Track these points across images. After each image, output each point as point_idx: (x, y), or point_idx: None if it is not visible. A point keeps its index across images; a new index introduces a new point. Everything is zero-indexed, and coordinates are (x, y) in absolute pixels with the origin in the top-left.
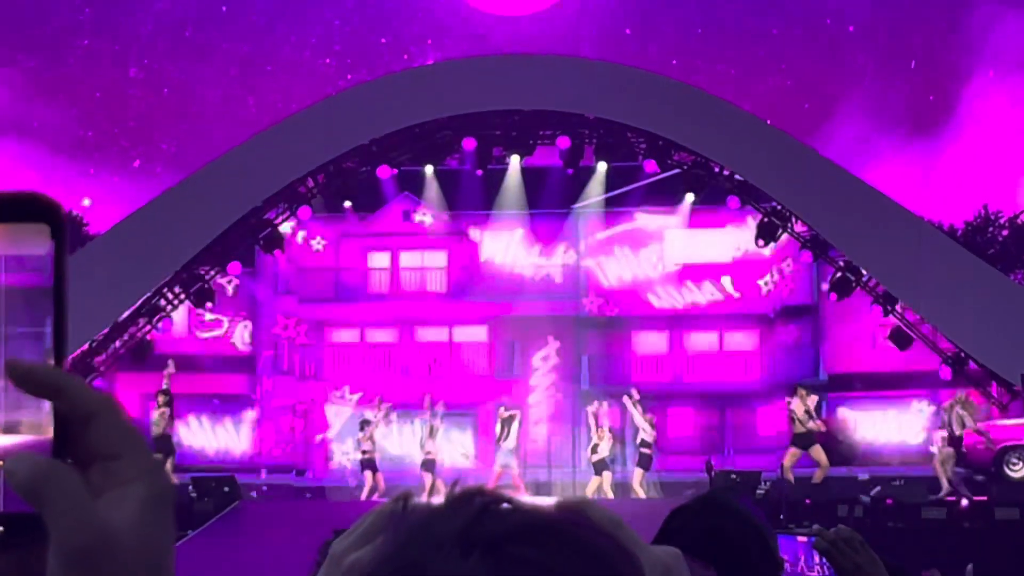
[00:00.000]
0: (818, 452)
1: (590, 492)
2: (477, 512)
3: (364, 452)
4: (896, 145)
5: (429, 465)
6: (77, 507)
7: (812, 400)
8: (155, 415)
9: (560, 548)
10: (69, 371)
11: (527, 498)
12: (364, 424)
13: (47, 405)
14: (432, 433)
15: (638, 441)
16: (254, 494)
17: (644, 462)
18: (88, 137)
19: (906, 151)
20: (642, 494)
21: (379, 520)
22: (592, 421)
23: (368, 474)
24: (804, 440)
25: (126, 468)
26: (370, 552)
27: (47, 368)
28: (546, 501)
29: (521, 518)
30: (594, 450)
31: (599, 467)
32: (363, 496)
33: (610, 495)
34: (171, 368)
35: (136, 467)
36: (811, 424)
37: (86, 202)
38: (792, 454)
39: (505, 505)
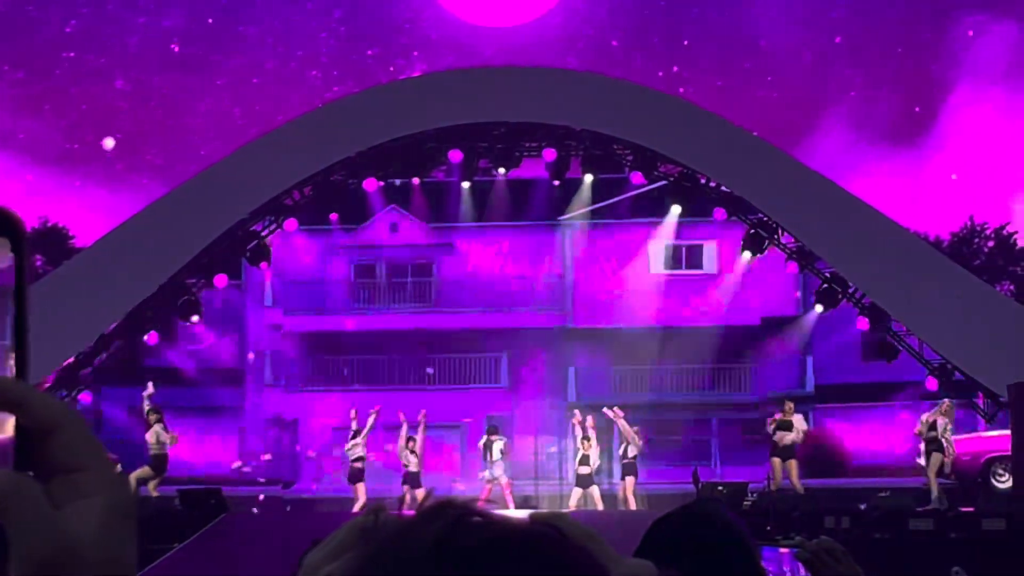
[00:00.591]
0: (792, 467)
1: (572, 505)
2: (449, 525)
3: (355, 463)
4: (882, 156)
5: (412, 479)
6: (39, 519)
7: (796, 417)
8: (150, 435)
9: (532, 561)
10: (31, 384)
11: (502, 511)
12: (356, 434)
13: (9, 418)
14: (410, 445)
15: (621, 452)
16: (255, 510)
17: (631, 470)
18: (75, 149)
19: (892, 162)
20: (634, 504)
21: (352, 533)
22: (579, 432)
23: (360, 487)
24: (783, 452)
25: (88, 480)
26: (343, 565)
27: (9, 381)
28: (521, 514)
29: (493, 531)
30: (583, 462)
31: (584, 481)
32: (355, 509)
33: (600, 506)
34: (150, 389)
35: (98, 479)
36: (787, 438)
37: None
38: (776, 465)
39: (477, 518)
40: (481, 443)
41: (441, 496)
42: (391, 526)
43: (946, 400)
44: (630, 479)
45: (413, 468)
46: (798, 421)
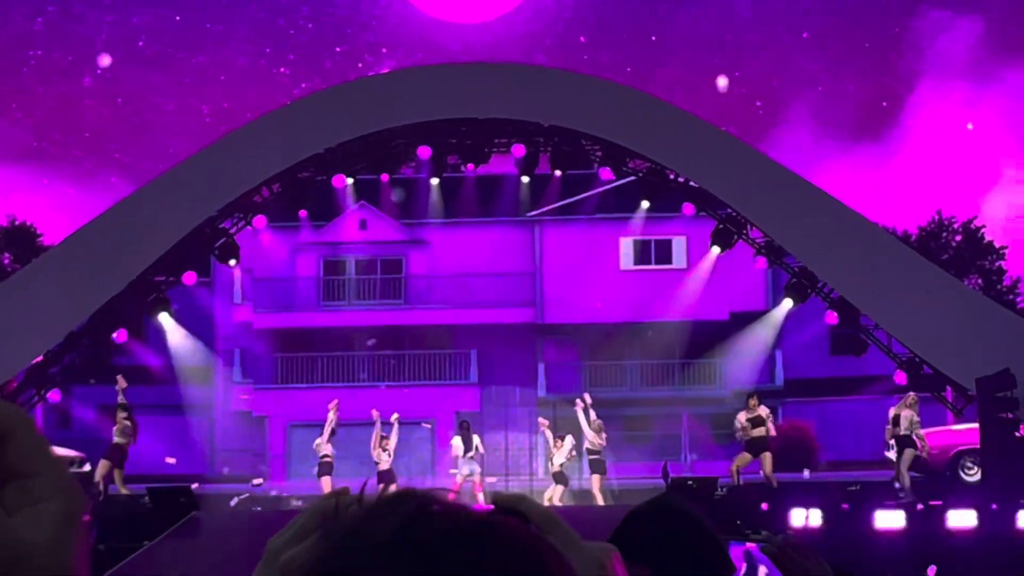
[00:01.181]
0: (766, 460)
1: (545, 501)
2: (409, 515)
3: (323, 458)
4: (849, 150)
5: (386, 476)
6: None
7: (763, 410)
8: (116, 429)
9: (491, 550)
10: None
11: (464, 500)
12: (332, 432)
13: None
14: (383, 443)
15: (585, 447)
16: (233, 502)
17: (597, 467)
18: (42, 147)
19: (859, 156)
20: (601, 500)
21: (313, 518)
22: (549, 433)
23: (326, 480)
24: (754, 446)
25: (41, 486)
26: (304, 551)
27: None
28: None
29: (453, 520)
30: (551, 460)
31: (558, 478)
32: None
33: (558, 503)
34: (122, 383)
35: (51, 485)
36: (754, 432)
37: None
38: (741, 458)
39: (437, 507)
40: (453, 440)
41: (401, 487)
42: (351, 515)
43: (910, 394)
44: (596, 476)
45: (385, 466)
46: (765, 413)
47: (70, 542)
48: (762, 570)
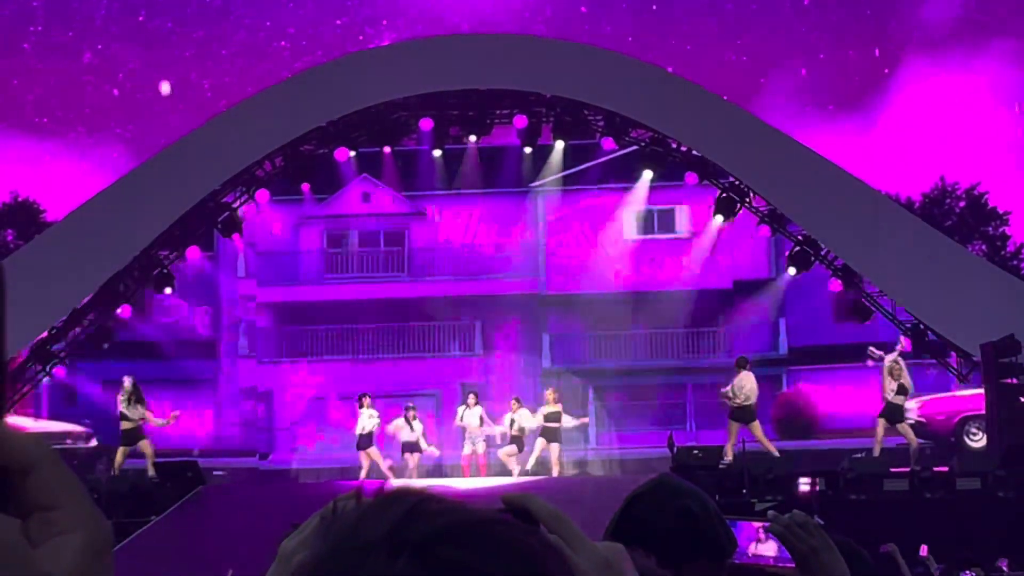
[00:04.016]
0: (755, 429)
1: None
2: (406, 513)
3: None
4: (852, 118)
5: (411, 447)
6: (15, 558)
7: (747, 376)
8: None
9: (488, 549)
10: (8, 423)
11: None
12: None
13: None
14: (409, 415)
15: (543, 414)
16: (220, 473)
17: (553, 436)
18: (43, 123)
19: (862, 123)
20: (558, 471)
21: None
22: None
23: (365, 452)
24: (740, 416)
25: (64, 518)
26: (304, 555)
27: None
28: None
29: (450, 518)
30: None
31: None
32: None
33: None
34: (127, 383)
35: (75, 517)
36: (736, 400)
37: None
38: (730, 427)
39: (434, 505)
40: (460, 411)
41: (399, 484)
42: (348, 515)
43: (885, 357)
44: (554, 446)
45: (411, 437)
46: (748, 379)
47: (94, 574)
48: (771, 546)
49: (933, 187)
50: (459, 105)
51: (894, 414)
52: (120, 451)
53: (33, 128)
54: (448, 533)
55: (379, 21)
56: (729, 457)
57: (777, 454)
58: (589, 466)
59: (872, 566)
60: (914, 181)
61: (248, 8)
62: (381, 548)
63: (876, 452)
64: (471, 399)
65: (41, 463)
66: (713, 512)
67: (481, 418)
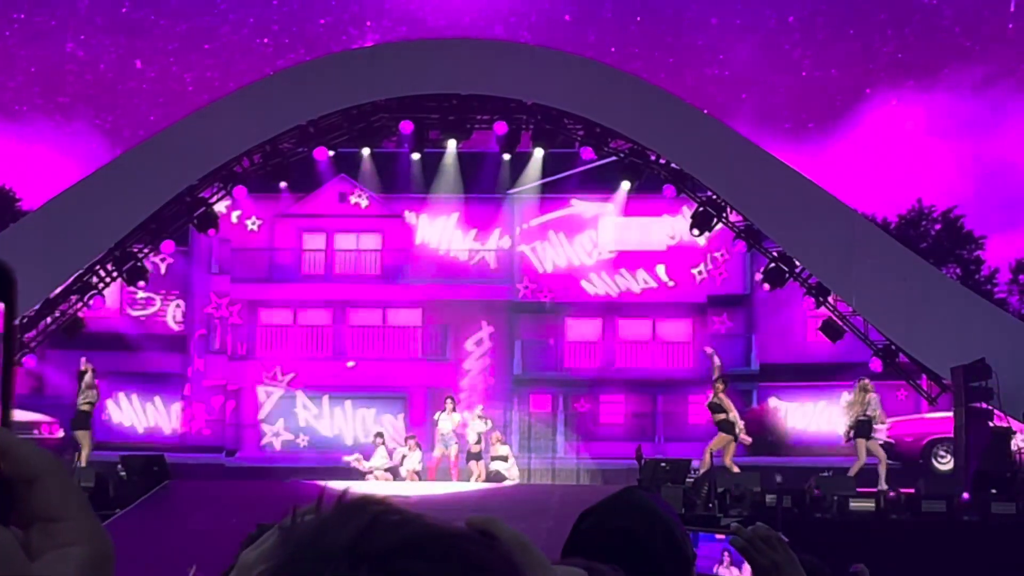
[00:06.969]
0: (728, 446)
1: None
2: (366, 524)
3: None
4: (830, 136)
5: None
6: (15, 569)
7: (723, 397)
8: (80, 397)
9: (448, 562)
10: (12, 432)
11: (450, 484)
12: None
13: None
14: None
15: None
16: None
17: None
18: (23, 111)
19: (839, 142)
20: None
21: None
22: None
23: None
24: (727, 427)
25: (67, 531)
26: (261, 559)
27: None
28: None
29: (410, 531)
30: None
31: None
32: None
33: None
34: (83, 366)
35: (77, 530)
36: (716, 416)
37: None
38: (717, 439)
39: (395, 517)
40: (436, 416)
41: (359, 494)
42: (308, 525)
43: (865, 379)
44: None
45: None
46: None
47: None
48: (735, 572)
49: (910, 209)
50: (439, 109)
51: (862, 429)
52: (84, 441)
53: (12, 115)
54: (408, 546)
55: (363, 22)
56: (736, 469)
57: (735, 471)
58: (557, 475)
59: None
60: (891, 202)
61: (232, 4)
62: (342, 560)
63: (853, 472)
64: (449, 404)
65: (47, 474)
66: (662, 534)
67: (458, 424)
